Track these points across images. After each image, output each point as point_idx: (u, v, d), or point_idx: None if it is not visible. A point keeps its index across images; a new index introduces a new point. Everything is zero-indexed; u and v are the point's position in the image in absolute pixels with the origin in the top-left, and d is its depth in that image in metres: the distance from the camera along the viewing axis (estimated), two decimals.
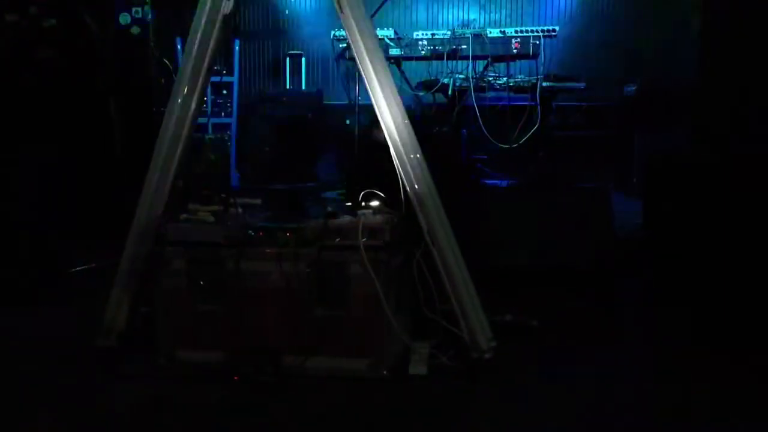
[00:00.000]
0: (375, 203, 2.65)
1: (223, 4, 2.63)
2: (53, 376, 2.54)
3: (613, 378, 2.54)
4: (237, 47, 6.61)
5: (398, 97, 2.53)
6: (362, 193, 2.67)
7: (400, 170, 2.52)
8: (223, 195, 2.66)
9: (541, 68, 5.23)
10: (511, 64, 5.47)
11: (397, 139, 2.51)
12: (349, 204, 2.70)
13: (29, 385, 2.47)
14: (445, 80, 5.25)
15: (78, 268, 3.92)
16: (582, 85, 5.42)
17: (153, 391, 2.42)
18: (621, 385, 2.48)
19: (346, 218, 2.57)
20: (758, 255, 2.86)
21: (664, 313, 3.17)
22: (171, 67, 5.66)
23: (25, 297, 3.37)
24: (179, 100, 2.65)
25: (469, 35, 5.17)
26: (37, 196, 3.68)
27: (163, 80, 5.53)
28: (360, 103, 5.80)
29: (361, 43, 2.52)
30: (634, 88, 6.37)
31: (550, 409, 2.29)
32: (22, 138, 4.39)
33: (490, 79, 5.27)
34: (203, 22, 2.62)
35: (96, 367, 2.57)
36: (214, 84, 6.20)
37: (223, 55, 6.13)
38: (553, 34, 5.22)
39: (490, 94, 5.26)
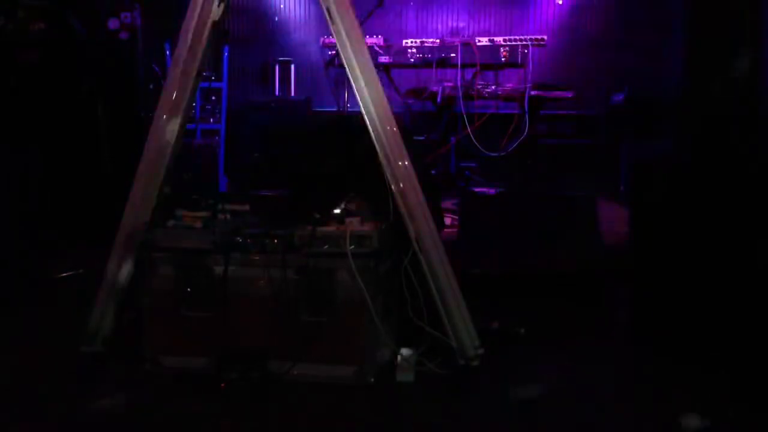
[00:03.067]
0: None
1: (213, 10, 2.63)
2: (37, 382, 2.51)
3: (601, 387, 2.55)
4: (226, 53, 6.60)
5: (387, 105, 2.54)
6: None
7: (389, 177, 2.53)
8: (211, 201, 2.65)
9: (530, 77, 5.26)
10: (500, 72, 5.50)
11: (386, 147, 2.51)
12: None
13: (13, 391, 2.45)
14: (434, 88, 5.27)
15: (64, 274, 3.89)
16: (570, 93, 5.45)
17: (138, 396, 2.40)
18: (609, 393, 2.49)
19: (333, 225, 2.57)
20: (744, 261, 2.89)
21: (652, 320, 3.18)
22: (160, 73, 5.65)
23: (10, 302, 3.34)
24: (167, 106, 2.64)
25: (458, 43, 5.19)
26: (23, 201, 3.66)
27: (151, 85, 5.52)
28: (349, 110, 5.81)
29: (350, 51, 2.53)
30: (621, 96, 6.42)
31: (537, 417, 2.29)
32: (7, 142, 4.36)
33: (479, 87, 5.29)
34: (192, 27, 2.62)
35: (81, 373, 2.56)
36: (202, 90, 6.19)
37: (212, 61, 6.13)
38: (542, 43, 5.25)
39: (479, 102, 5.28)
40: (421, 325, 2.56)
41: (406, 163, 2.52)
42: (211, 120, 6.44)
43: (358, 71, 2.53)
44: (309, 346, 2.45)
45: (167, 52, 5.97)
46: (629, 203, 3.46)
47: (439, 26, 7.94)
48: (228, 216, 2.66)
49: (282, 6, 8.10)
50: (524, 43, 5.19)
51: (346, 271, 2.43)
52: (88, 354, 2.63)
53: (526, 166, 5.45)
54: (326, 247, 2.47)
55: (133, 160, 2.70)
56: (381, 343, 2.50)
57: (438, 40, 5.28)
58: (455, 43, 5.21)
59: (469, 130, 5.05)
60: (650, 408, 2.35)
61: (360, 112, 2.57)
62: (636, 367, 2.77)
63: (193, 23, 2.62)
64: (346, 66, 2.55)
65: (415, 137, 5.17)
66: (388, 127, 2.51)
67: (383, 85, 2.58)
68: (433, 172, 5.29)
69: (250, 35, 8.07)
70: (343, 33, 2.52)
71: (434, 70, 5.27)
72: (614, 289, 3.52)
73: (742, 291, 2.88)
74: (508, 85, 5.46)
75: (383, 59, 5.34)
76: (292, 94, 7.61)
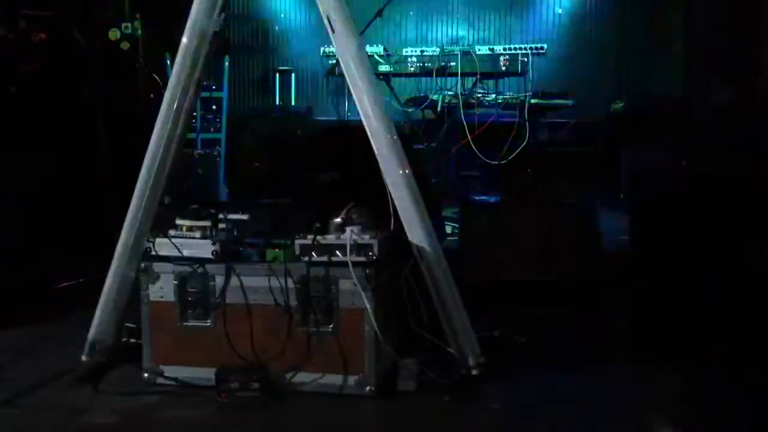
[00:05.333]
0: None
1: (213, 20, 2.64)
2: (37, 392, 2.51)
3: (602, 394, 2.54)
4: (227, 63, 6.63)
5: (387, 114, 2.54)
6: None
7: (389, 186, 2.53)
8: (211, 210, 2.65)
9: (530, 85, 5.27)
10: (500, 81, 5.52)
11: (386, 155, 2.51)
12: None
13: (13, 400, 2.45)
14: (434, 97, 5.28)
15: (64, 284, 3.89)
16: (570, 102, 5.47)
17: (138, 406, 2.40)
18: (609, 401, 2.49)
19: (335, 234, 2.57)
20: (742, 269, 2.89)
21: (651, 327, 3.18)
22: (160, 83, 5.66)
23: (9, 313, 3.34)
24: (168, 116, 2.65)
25: (458, 52, 5.20)
26: (22, 211, 3.66)
27: (152, 95, 5.53)
28: (349, 119, 5.83)
29: (350, 60, 2.53)
30: (621, 104, 6.44)
31: (538, 425, 2.28)
32: (7, 152, 4.37)
33: (479, 95, 5.30)
34: (193, 37, 2.63)
35: (81, 383, 2.55)
36: (203, 99, 6.20)
37: (212, 71, 6.15)
38: (542, 51, 5.26)
39: (479, 110, 5.29)
40: (423, 333, 2.56)
41: (407, 171, 2.52)
42: (212, 130, 6.45)
43: (358, 80, 2.54)
44: (310, 356, 2.45)
45: (168, 62, 5.99)
46: (629, 210, 3.47)
47: (439, 35, 7.97)
48: (229, 225, 2.66)
49: (282, 16, 8.14)
50: (524, 51, 5.20)
51: (347, 280, 2.43)
52: (89, 363, 2.63)
53: (526, 174, 5.46)
54: (327, 256, 2.47)
55: (133, 170, 2.70)
56: (382, 352, 2.49)
57: (438, 49, 5.30)
58: (455, 52, 5.22)
59: (469, 138, 5.05)
60: (651, 414, 2.35)
61: (360, 121, 2.58)
62: (636, 375, 2.77)
63: (194, 33, 2.63)
64: (346, 75, 2.56)
65: (415, 146, 5.18)
66: (389, 136, 2.52)
67: (383, 94, 2.58)
68: (433, 180, 5.30)
69: (250, 45, 8.10)
70: (343, 42, 2.53)
71: (434, 78, 5.28)
72: (615, 296, 3.52)
73: (741, 297, 2.88)
74: (508, 93, 5.47)
75: (383, 68, 5.35)
76: (293, 103, 7.63)
